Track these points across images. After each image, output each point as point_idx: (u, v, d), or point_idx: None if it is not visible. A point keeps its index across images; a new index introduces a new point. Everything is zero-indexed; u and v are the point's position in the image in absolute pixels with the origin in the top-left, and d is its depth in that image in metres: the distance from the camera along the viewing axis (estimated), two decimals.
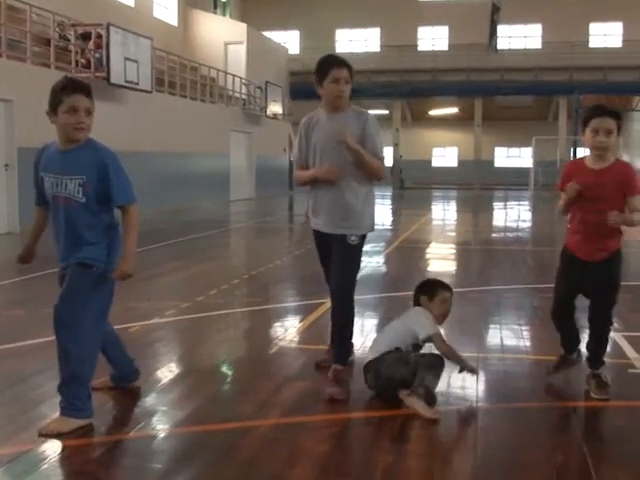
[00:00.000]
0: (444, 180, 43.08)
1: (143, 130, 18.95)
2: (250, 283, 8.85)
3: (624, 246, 4.58)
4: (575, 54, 35.98)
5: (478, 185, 38.49)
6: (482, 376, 4.84)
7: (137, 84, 18.29)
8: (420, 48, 40.15)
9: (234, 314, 6.96)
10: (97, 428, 3.85)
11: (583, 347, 4.69)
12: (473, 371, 4.50)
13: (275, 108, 30.59)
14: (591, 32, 38.66)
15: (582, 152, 26.35)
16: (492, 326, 6.42)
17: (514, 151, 45.93)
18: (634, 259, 11.47)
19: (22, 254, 4.18)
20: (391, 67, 37.96)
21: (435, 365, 4.32)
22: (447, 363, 4.41)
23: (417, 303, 4.63)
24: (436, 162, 47.15)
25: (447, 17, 38.85)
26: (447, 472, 3.44)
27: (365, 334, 6.04)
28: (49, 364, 4.16)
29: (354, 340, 5.06)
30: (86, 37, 17.47)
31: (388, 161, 41.11)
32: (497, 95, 39.24)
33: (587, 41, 38.41)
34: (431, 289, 4.63)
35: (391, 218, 20.96)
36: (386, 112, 40.69)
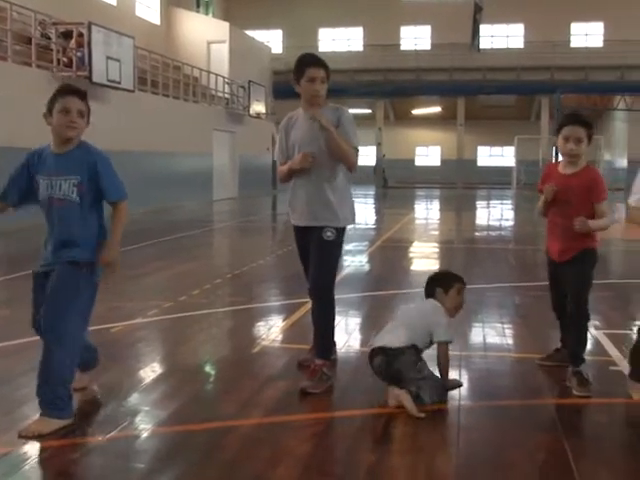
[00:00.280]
0: (427, 179, 43.17)
1: (126, 129, 18.86)
2: (233, 282, 8.84)
3: (601, 245, 4.67)
4: (557, 54, 36.20)
5: (461, 184, 38.64)
6: (465, 374, 4.86)
7: (119, 83, 18.20)
8: (403, 47, 40.25)
9: (217, 314, 6.94)
10: (78, 428, 3.83)
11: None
12: (459, 385, 4.51)
13: (258, 107, 30.55)
14: (572, 32, 38.93)
15: None
16: (475, 324, 6.44)
17: (496, 150, 46.10)
18: (615, 257, 11.57)
19: None
20: (374, 66, 38.01)
21: (440, 393, 4.27)
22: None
23: (430, 294, 4.60)
24: (419, 161, 47.22)
25: (430, 17, 38.95)
26: (430, 470, 3.45)
27: (349, 332, 6.04)
28: (33, 364, 4.11)
29: (337, 339, 5.07)
30: (68, 36, 17.38)
31: (371, 160, 41.26)
32: (480, 94, 39.38)
33: (568, 41, 38.67)
34: (447, 281, 4.58)
35: (374, 217, 21.00)
36: (369, 111, 40.75)
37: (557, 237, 4.63)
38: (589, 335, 4.86)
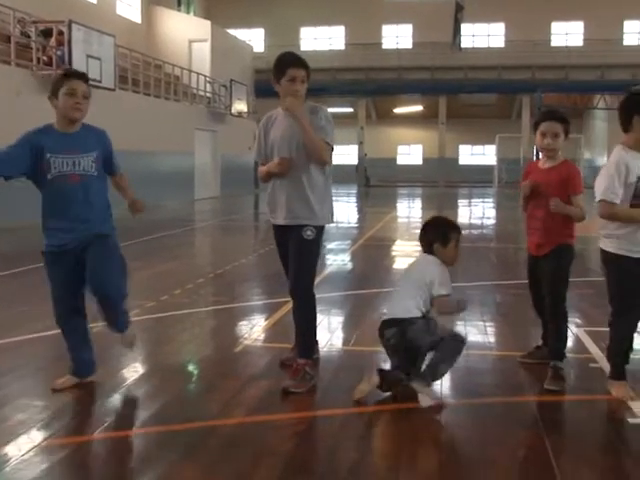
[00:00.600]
0: (409, 178, 43.30)
1: (106, 128, 18.22)
2: (215, 282, 8.82)
3: (579, 243, 4.72)
4: (537, 53, 36.45)
5: (443, 183, 38.77)
6: (447, 373, 4.87)
7: (100, 82, 18.07)
8: (385, 46, 40.34)
9: (199, 313, 6.92)
10: (60, 429, 3.80)
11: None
12: (465, 302, 4.64)
13: (240, 106, 30.50)
14: (553, 31, 39.20)
15: None
16: (456, 322, 6.46)
17: (478, 149, 46.33)
18: (595, 255, 11.63)
19: None
20: (356, 65, 38.10)
21: (455, 352, 4.34)
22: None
23: (428, 249, 4.59)
24: (401, 160, 47.36)
25: (411, 15, 39.08)
26: (413, 469, 3.46)
27: (331, 331, 6.05)
28: (20, 362, 4.09)
29: (319, 338, 5.07)
30: (48, 34, 17.24)
31: (353, 159, 41.32)
32: (461, 93, 39.58)
33: (549, 40, 38.95)
34: (444, 234, 4.54)
35: (356, 216, 21.00)
36: (351, 110, 40.83)
37: (535, 230, 4.73)
38: (570, 333, 4.89)
